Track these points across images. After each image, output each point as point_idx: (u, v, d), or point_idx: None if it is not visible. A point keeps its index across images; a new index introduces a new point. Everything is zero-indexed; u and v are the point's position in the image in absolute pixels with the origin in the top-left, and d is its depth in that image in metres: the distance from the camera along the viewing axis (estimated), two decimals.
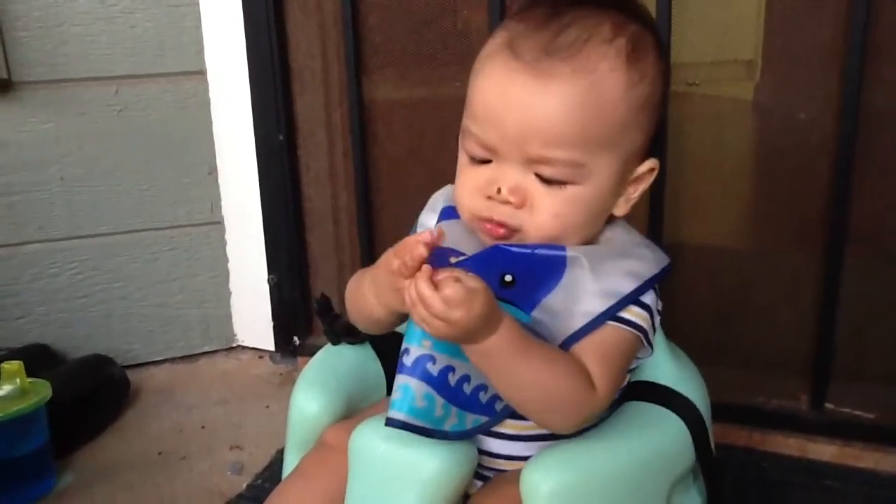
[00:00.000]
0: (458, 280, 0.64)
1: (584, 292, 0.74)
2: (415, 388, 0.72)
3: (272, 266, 1.47)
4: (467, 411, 0.74)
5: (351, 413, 0.90)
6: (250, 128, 1.42)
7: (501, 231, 0.75)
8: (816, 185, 1.11)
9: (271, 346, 1.54)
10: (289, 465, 0.90)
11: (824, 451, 1.13)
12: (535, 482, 0.70)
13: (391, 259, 0.70)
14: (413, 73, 1.33)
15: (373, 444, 0.75)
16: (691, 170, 1.18)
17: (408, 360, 0.73)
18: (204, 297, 1.53)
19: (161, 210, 1.47)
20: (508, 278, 0.74)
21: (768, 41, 1.12)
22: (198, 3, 1.40)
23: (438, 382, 0.72)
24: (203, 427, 1.30)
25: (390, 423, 0.72)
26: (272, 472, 1.15)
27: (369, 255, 1.41)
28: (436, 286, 0.64)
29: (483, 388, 0.74)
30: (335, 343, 0.96)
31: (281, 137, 1.40)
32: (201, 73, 1.44)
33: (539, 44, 0.71)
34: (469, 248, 0.77)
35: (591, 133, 0.70)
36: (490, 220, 0.75)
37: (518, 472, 0.74)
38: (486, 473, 0.80)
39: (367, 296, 0.79)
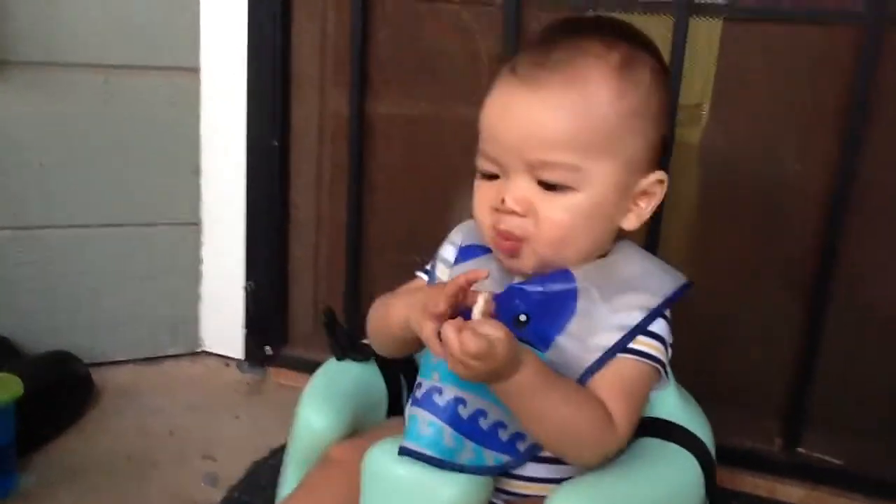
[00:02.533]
0: (475, 333, 0.65)
1: (598, 325, 0.76)
2: (420, 417, 0.75)
3: (251, 272, 1.44)
4: (485, 447, 0.75)
5: (355, 430, 0.89)
6: (241, 130, 1.39)
7: (508, 244, 0.77)
8: (804, 234, 1.16)
9: (239, 354, 1.50)
10: (289, 480, 0.88)
11: (793, 493, 1.17)
12: None
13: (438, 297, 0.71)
14: (415, 90, 1.33)
15: (390, 467, 0.75)
16: (678, 211, 1.21)
17: (418, 393, 0.76)
18: (173, 299, 1.49)
19: (139, 206, 1.43)
20: (522, 318, 0.77)
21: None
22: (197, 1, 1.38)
23: (447, 414, 0.74)
24: (171, 433, 1.26)
25: (403, 451, 0.73)
26: (249, 485, 1.12)
27: (355, 268, 1.40)
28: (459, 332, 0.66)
29: (503, 425, 0.75)
30: (340, 358, 0.95)
31: (275, 143, 1.37)
32: (195, 70, 1.41)
33: (534, 60, 0.76)
34: (491, 285, 0.79)
35: (584, 138, 0.74)
36: (498, 232, 0.77)
37: (532, 502, 0.76)
38: (497, 501, 0.80)
39: (396, 315, 0.80)
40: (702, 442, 0.81)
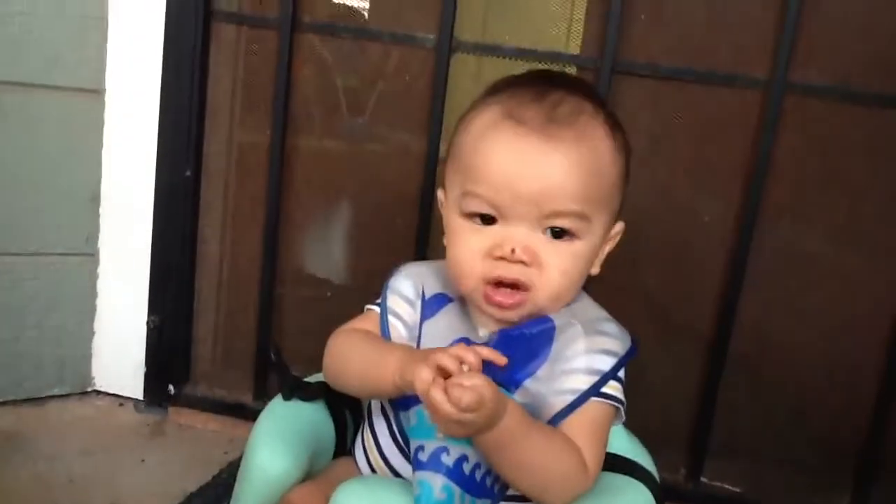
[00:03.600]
0: (462, 387, 0.65)
1: (569, 368, 0.78)
2: (432, 482, 0.73)
3: (155, 307, 1.37)
4: (479, 497, 0.75)
5: (308, 472, 0.87)
6: (150, 157, 1.33)
7: (510, 297, 0.76)
8: (708, 284, 1.25)
9: (135, 393, 1.41)
10: None
11: None
12: None
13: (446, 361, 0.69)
14: (340, 127, 1.33)
15: None
16: None
17: (423, 456, 0.74)
18: (63, 335, 1.39)
19: (28, 233, 1.33)
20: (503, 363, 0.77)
21: None
22: (105, 19, 1.31)
23: (454, 473, 0.73)
24: (72, 481, 1.17)
25: None
26: None
27: (269, 303, 1.36)
28: (445, 392, 0.66)
29: (490, 473, 0.76)
30: (287, 398, 0.92)
31: (188, 173, 1.32)
32: (97, 91, 1.33)
33: (541, 113, 0.77)
34: (454, 333, 0.80)
35: (593, 191, 0.77)
36: (499, 283, 0.76)
37: None
38: None
39: (384, 367, 0.77)
40: (653, 476, 0.86)
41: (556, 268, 0.77)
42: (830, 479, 1.28)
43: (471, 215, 0.78)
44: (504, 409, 0.69)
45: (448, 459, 0.73)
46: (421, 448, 0.74)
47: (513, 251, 0.75)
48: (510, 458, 0.72)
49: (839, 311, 1.24)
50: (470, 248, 0.78)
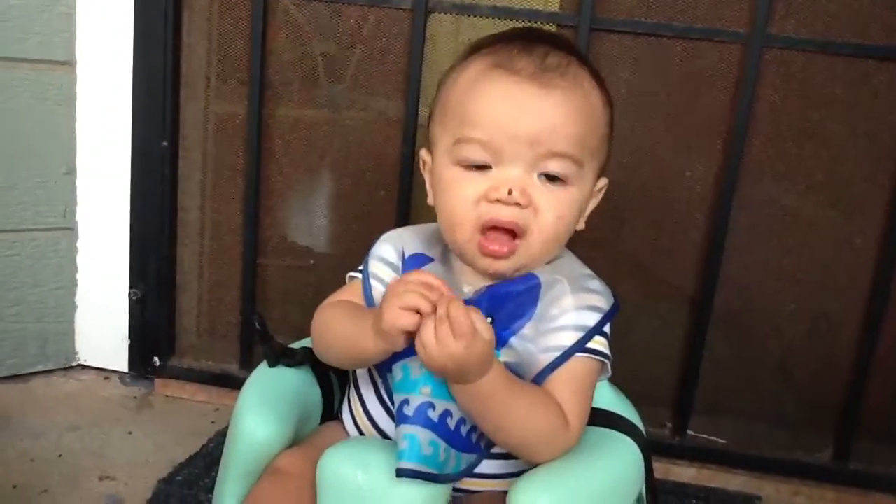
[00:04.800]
0: (460, 308, 0.66)
1: (554, 325, 0.78)
2: (420, 436, 0.73)
3: (137, 280, 1.36)
4: (463, 452, 0.75)
5: (295, 437, 0.87)
6: (125, 129, 1.31)
7: (505, 248, 0.76)
8: (692, 244, 1.26)
9: (121, 366, 1.41)
10: (229, 495, 0.84)
11: (684, 473, 1.28)
12: (525, 502, 0.73)
13: (413, 298, 0.69)
14: (318, 93, 1.31)
15: (349, 472, 0.74)
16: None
17: (409, 410, 0.74)
18: (44, 311, 1.38)
19: (5, 209, 1.31)
20: (489, 320, 0.76)
21: None
22: None
23: (440, 427, 0.73)
24: (60, 456, 1.16)
25: (401, 473, 0.71)
26: None
27: (252, 272, 1.35)
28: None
29: (474, 428, 0.76)
30: (272, 364, 0.92)
31: (165, 144, 1.30)
32: (69, 64, 1.31)
33: (532, 63, 0.76)
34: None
35: (587, 139, 0.77)
36: (494, 227, 0.76)
37: (487, 496, 0.78)
38: (455, 494, 0.81)
39: (362, 333, 0.76)
40: (640, 430, 0.86)
41: (551, 211, 0.76)
42: (813, 433, 1.29)
43: (464, 162, 0.77)
44: (489, 365, 0.70)
45: (433, 414, 0.73)
46: (406, 402, 0.74)
47: (509, 192, 0.74)
48: (492, 414, 0.72)
49: (820, 266, 1.25)
50: (464, 194, 0.77)
